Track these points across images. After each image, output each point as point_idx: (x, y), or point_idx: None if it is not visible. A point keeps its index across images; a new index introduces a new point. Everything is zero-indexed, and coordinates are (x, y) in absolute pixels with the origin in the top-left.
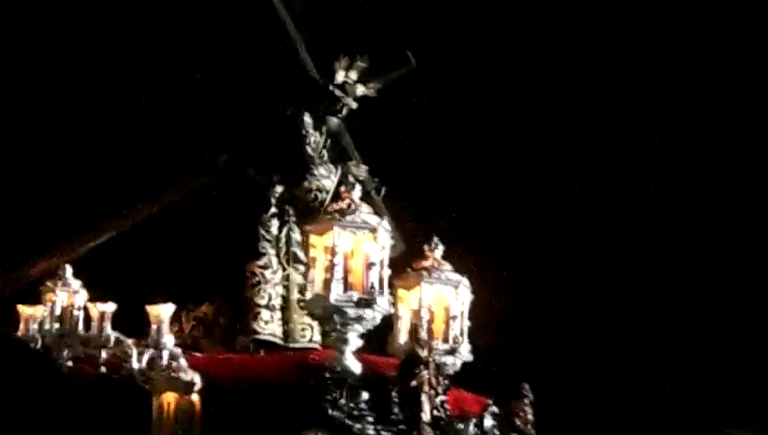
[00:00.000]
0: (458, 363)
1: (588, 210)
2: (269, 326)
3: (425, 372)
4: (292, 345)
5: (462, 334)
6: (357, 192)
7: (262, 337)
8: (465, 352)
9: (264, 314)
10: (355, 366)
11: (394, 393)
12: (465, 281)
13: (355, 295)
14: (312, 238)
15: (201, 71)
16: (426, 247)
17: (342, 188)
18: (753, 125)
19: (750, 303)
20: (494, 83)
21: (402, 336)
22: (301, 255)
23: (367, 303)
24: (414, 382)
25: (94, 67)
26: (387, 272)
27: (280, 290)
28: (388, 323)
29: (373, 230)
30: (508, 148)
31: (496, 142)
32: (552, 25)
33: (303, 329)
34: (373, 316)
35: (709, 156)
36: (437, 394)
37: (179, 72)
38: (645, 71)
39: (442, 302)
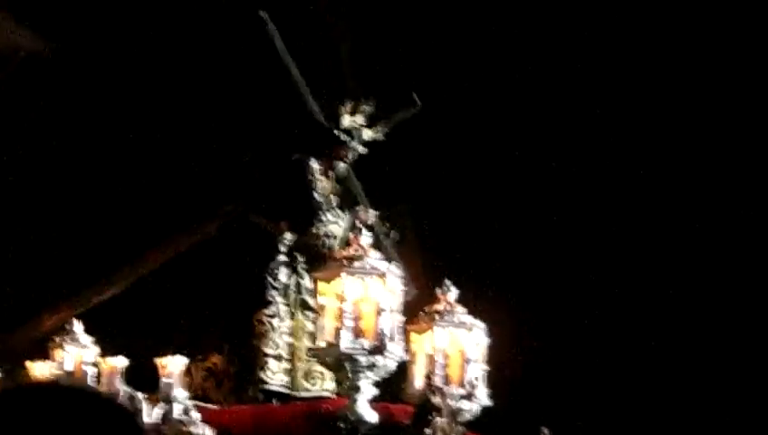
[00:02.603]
0: (476, 408)
1: (606, 249)
2: (277, 376)
3: (438, 420)
4: (303, 395)
5: (478, 378)
6: (365, 238)
7: (270, 387)
8: (482, 397)
9: (272, 363)
10: (369, 415)
11: None
12: (479, 323)
13: (366, 343)
14: (321, 286)
15: (206, 119)
16: (438, 291)
17: (350, 234)
18: (753, 125)
19: None
20: (503, 121)
21: (418, 381)
22: (312, 302)
23: (378, 350)
24: (428, 430)
25: (97, 118)
26: (398, 317)
27: (288, 338)
28: (405, 369)
29: (382, 275)
30: (522, 186)
31: (509, 181)
32: (560, 60)
33: (315, 377)
34: (385, 363)
35: (711, 163)
36: None
37: (183, 120)
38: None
39: (457, 345)
